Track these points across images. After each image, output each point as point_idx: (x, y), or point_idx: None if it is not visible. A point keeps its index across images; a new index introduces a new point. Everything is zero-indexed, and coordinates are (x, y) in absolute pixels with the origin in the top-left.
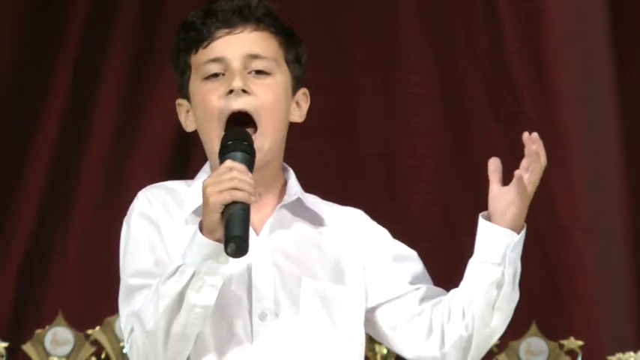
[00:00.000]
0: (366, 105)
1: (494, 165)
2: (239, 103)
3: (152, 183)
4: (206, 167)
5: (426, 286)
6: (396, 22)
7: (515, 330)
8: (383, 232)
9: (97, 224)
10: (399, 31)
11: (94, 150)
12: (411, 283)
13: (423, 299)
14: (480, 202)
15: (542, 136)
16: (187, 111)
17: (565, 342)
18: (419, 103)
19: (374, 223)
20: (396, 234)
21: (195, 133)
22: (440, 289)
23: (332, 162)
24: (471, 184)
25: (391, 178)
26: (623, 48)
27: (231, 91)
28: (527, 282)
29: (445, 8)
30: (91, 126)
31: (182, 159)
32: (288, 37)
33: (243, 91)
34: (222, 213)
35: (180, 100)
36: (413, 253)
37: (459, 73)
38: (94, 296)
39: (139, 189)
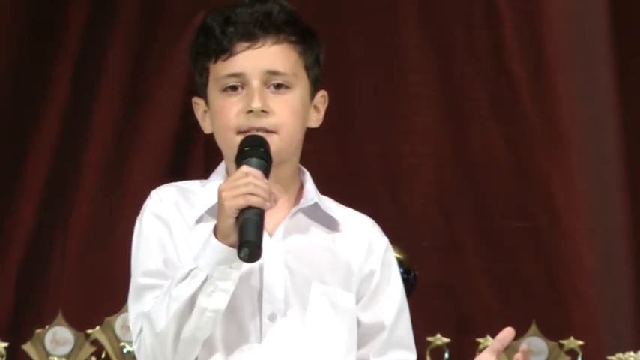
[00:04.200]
0: (366, 105)
1: (504, 335)
2: (258, 123)
3: (152, 183)
4: (220, 169)
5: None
6: (396, 22)
7: (515, 330)
8: (380, 251)
9: (97, 224)
10: (399, 31)
11: (94, 150)
12: (377, 327)
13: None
14: (479, 201)
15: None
16: (205, 111)
17: (565, 342)
18: (419, 102)
19: (378, 236)
20: (397, 233)
21: (195, 134)
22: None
23: (332, 161)
24: (470, 183)
25: (391, 177)
26: (623, 48)
27: (250, 111)
28: (527, 282)
29: (445, 8)
30: (91, 126)
31: (182, 159)
32: (307, 42)
33: (263, 111)
34: (237, 218)
35: (197, 99)
36: (394, 284)
37: (459, 73)
38: (94, 296)
39: (139, 189)
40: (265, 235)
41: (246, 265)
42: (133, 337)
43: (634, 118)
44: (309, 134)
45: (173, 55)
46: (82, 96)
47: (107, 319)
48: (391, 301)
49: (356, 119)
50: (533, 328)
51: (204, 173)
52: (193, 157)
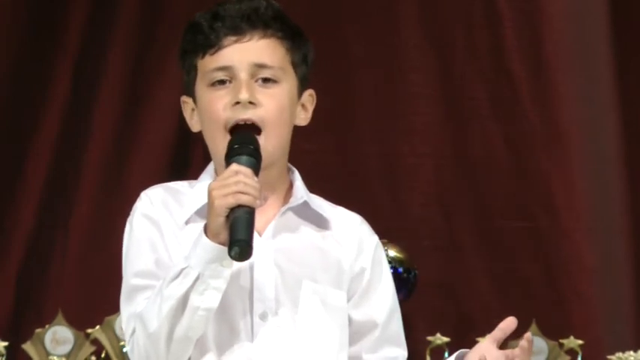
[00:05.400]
0: (366, 105)
1: (506, 324)
2: (245, 114)
3: (152, 183)
4: (209, 169)
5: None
6: (396, 22)
7: (514, 329)
8: (370, 248)
9: (97, 224)
10: (399, 31)
11: (94, 150)
12: (368, 326)
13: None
14: (479, 201)
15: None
16: (192, 109)
17: (565, 341)
18: (419, 102)
19: (368, 233)
20: (397, 233)
21: (195, 134)
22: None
23: (332, 161)
24: (470, 183)
25: (391, 177)
26: (623, 48)
27: (237, 103)
28: (527, 282)
29: (445, 8)
30: (91, 126)
31: (182, 159)
32: (295, 39)
33: (250, 102)
34: (228, 216)
35: (185, 98)
36: (385, 282)
37: (459, 73)
38: (94, 296)
39: (139, 189)
40: (255, 234)
41: (236, 264)
42: (126, 338)
43: (634, 118)
44: (310, 134)
45: (173, 55)
46: (82, 96)
47: (107, 318)
48: (383, 299)
49: (356, 119)
50: (533, 327)
51: None
52: (193, 157)
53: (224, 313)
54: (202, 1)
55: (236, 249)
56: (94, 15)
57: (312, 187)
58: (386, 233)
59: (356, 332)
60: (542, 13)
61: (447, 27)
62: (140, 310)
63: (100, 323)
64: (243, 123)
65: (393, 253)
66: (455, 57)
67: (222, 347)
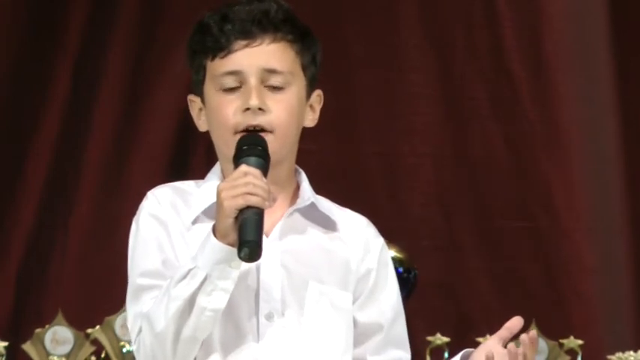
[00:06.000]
0: (366, 105)
1: (512, 324)
2: (255, 121)
3: (152, 183)
4: (216, 169)
5: (381, 340)
6: (396, 22)
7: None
8: (376, 250)
9: (97, 224)
10: (399, 31)
11: (94, 150)
12: (373, 327)
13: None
14: (479, 201)
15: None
16: (200, 109)
17: (565, 341)
18: (419, 102)
19: (374, 235)
20: (396, 233)
21: (195, 133)
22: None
23: (332, 161)
24: (470, 183)
25: (391, 177)
26: (623, 47)
27: (247, 109)
28: (527, 282)
29: (445, 8)
30: (91, 126)
31: (182, 159)
32: (304, 41)
33: (260, 109)
34: (237, 217)
35: (192, 97)
36: (390, 284)
37: (459, 73)
38: (94, 296)
39: (139, 189)
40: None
41: (243, 265)
42: (132, 338)
43: (634, 118)
44: (310, 134)
45: (173, 55)
46: (82, 96)
47: (107, 318)
48: (388, 301)
49: (356, 119)
50: (533, 327)
51: (204, 173)
52: (193, 157)
53: (230, 314)
54: (203, 1)
55: (245, 250)
56: (94, 15)
57: (313, 187)
58: (386, 233)
59: (360, 334)
60: (542, 13)
61: (447, 27)
62: (147, 310)
63: (100, 323)
64: (252, 129)
65: (393, 253)
66: (455, 57)
67: (228, 348)
